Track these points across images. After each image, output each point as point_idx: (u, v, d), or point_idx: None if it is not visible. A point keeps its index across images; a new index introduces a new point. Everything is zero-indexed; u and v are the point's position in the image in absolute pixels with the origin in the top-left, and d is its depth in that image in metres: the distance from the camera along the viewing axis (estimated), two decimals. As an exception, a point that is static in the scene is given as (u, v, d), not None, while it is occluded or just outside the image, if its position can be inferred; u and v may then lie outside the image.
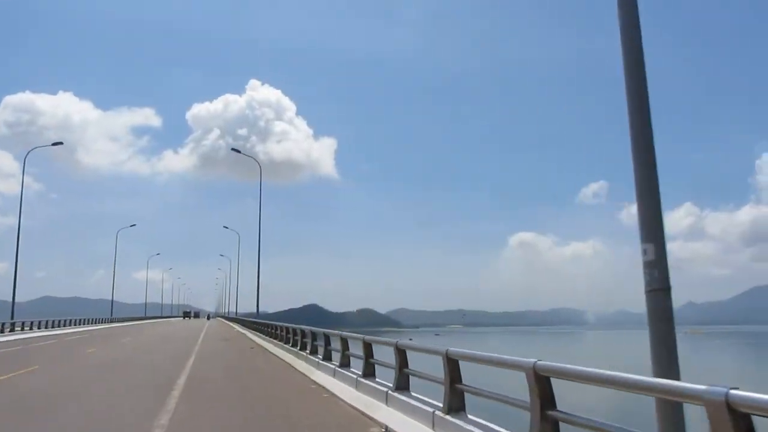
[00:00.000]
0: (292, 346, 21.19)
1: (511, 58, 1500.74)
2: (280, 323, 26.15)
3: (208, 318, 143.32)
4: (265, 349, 27.81)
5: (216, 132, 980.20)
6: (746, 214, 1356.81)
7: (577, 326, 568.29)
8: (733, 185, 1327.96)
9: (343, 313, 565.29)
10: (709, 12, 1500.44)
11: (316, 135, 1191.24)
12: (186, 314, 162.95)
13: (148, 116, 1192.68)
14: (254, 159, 53.04)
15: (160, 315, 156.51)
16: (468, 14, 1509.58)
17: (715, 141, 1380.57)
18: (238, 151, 50.57)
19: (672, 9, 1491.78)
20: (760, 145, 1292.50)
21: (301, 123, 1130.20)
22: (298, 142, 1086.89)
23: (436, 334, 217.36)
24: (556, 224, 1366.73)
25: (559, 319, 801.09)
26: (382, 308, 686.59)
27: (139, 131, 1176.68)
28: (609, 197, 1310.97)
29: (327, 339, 15.76)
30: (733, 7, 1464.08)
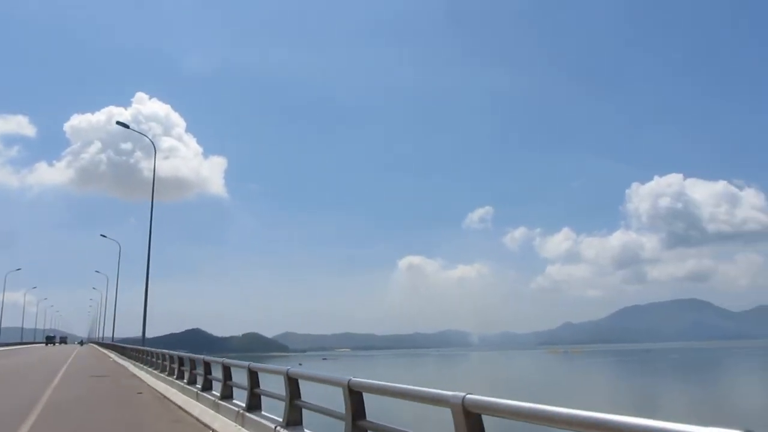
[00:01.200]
0: (177, 378, 18.60)
1: (403, 85, 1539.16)
2: (168, 351, 22.68)
3: (81, 344, 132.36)
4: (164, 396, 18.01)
5: (97, 145, 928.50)
6: (617, 239, 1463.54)
7: (463, 348, 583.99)
8: (606, 212, 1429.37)
9: (229, 338, 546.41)
10: (592, 48, 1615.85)
11: (206, 153, 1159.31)
12: (49, 339, 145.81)
13: (21, 124, 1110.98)
14: (145, 137, 48.10)
15: (20, 341, 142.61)
16: (359, 40, 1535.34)
17: (591, 170, 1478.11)
18: (126, 126, 44.28)
19: (548, 47, 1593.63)
20: (629, 174, 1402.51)
21: (191, 140, 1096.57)
22: (186, 159, 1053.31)
23: (324, 359, 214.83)
24: (443, 248, 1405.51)
25: (446, 341, 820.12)
26: (269, 332, 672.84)
27: (9, 140, 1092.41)
28: (494, 222, 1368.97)
29: (207, 367, 14.03)
30: (609, 42, 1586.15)
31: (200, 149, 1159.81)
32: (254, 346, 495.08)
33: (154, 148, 42.89)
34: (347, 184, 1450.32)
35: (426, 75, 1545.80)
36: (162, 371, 21.14)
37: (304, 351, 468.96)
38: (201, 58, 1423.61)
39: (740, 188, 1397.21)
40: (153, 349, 25.18)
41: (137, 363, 29.76)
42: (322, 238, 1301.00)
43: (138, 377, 24.92)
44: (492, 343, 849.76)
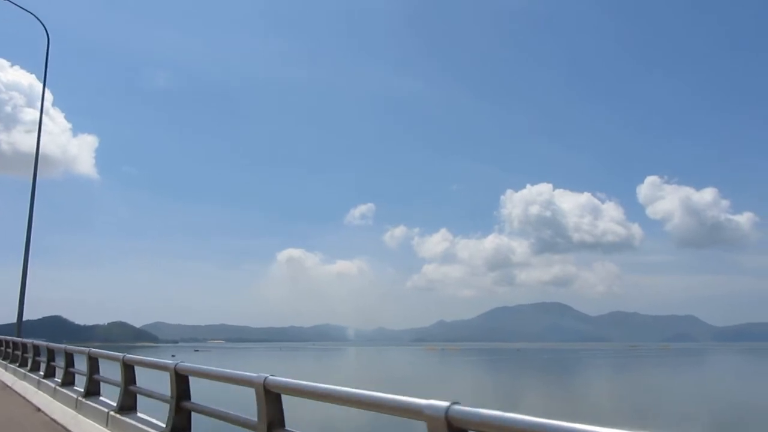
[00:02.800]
0: (20, 366, 17.83)
1: (294, 80, 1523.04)
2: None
3: None
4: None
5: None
6: (491, 242, 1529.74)
7: (340, 342, 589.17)
8: (482, 216, 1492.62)
9: (92, 327, 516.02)
10: (484, 56, 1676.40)
11: (76, 130, 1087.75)
12: None
13: None
14: (34, 16, 42.00)
15: None
16: (254, 31, 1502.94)
17: (471, 174, 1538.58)
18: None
19: (440, 53, 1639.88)
20: (505, 181, 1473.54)
21: (59, 115, 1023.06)
22: (53, 135, 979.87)
23: (196, 350, 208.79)
24: (324, 242, 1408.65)
25: (322, 336, 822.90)
26: (138, 321, 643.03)
27: None
28: (376, 219, 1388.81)
29: (51, 354, 13.66)
30: (500, 50, 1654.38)
31: (69, 125, 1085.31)
32: (121, 335, 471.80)
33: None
34: (229, 176, 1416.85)
35: (318, 72, 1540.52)
36: (5, 359, 20.17)
37: (175, 342, 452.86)
38: (78, 29, 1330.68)
39: (602, 201, 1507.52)
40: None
41: None
42: (200, 229, 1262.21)
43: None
44: (368, 338, 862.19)
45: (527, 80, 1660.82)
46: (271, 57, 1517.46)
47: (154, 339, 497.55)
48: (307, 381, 4.55)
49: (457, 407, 3.16)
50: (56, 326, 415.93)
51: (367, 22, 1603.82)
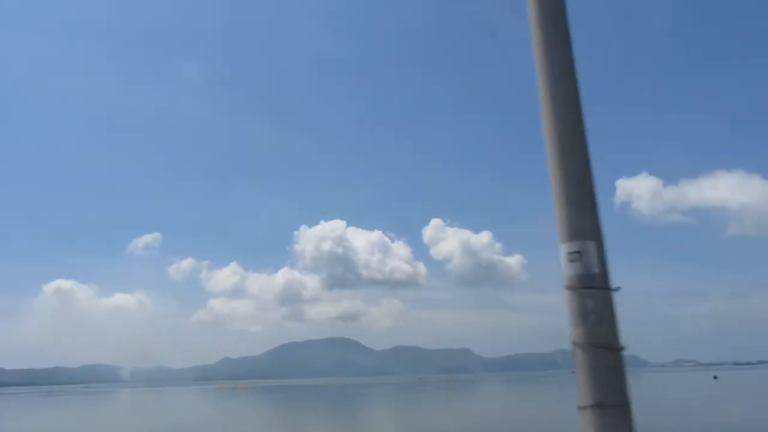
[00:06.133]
0: None
1: (85, 92, 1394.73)
2: None
3: None
4: None
5: None
6: (282, 277, 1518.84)
7: (112, 384, 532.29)
8: (275, 250, 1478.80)
9: None
10: (283, 89, 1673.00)
11: None
12: None
13: None
14: None
15: None
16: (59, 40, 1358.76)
17: (266, 208, 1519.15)
18: None
19: (241, 82, 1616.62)
20: (300, 216, 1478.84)
21: None
22: None
23: None
24: (101, 273, 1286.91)
25: (93, 377, 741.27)
26: None
27: None
28: (162, 250, 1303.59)
29: None
30: (301, 83, 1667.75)
31: None
32: None
33: None
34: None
35: (100, 88, 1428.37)
36: None
37: None
38: None
39: (392, 240, 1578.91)
40: None
41: None
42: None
43: None
44: (145, 377, 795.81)
45: (324, 114, 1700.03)
46: (72, 68, 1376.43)
47: None
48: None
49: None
50: None
51: (171, 39, 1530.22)
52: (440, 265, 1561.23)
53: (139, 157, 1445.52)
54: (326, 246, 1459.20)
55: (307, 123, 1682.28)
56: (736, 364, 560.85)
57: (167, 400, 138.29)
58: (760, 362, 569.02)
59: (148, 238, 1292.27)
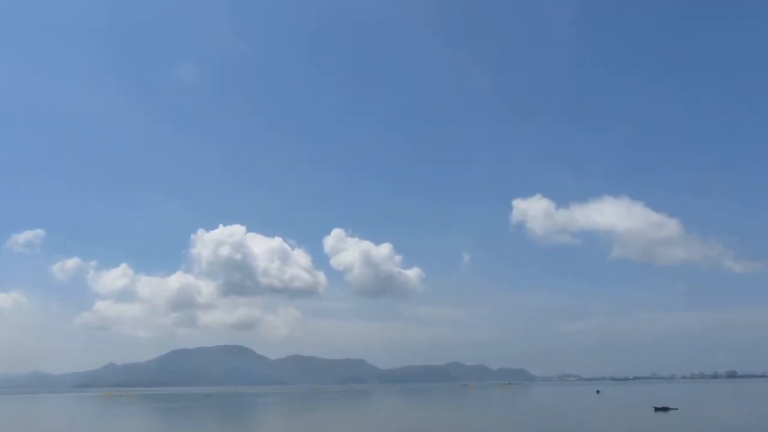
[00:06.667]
0: None
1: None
2: None
3: None
4: None
5: None
6: (176, 281, 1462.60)
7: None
8: (170, 253, 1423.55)
9: None
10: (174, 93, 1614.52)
11: None
12: None
13: None
14: None
15: None
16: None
17: (160, 210, 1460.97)
18: None
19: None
20: (198, 219, 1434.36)
21: None
22: None
23: None
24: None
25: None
26: None
27: None
28: (44, 247, 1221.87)
29: None
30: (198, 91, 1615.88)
31: None
32: None
33: None
34: None
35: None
36: None
37: None
38: None
39: (293, 247, 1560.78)
40: None
41: None
42: None
43: None
44: (18, 384, 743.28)
45: (224, 117, 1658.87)
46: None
47: None
48: None
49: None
50: None
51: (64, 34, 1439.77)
52: (340, 276, 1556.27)
53: (22, 150, 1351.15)
54: (224, 251, 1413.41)
55: (208, 125, 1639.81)
56: (614, 379, 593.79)
57: (45, 408, 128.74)
58: (636, 378, 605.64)
59: (29, 234, 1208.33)
